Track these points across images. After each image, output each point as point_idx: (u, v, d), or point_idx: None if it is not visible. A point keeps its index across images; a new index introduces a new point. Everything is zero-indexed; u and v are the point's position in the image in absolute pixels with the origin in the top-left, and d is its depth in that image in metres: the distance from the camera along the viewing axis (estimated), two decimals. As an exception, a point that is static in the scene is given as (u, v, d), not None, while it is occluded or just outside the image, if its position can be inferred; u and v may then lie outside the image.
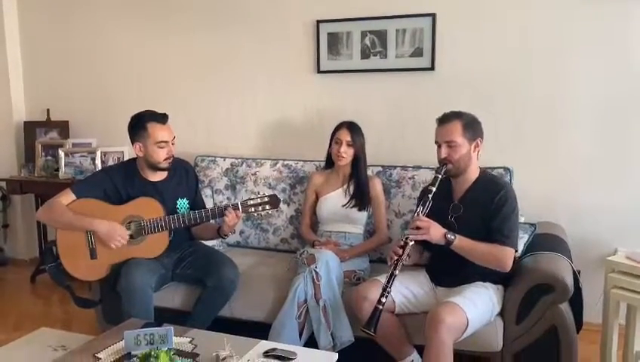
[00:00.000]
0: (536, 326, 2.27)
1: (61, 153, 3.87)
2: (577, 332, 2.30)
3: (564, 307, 2.26)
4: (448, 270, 2.37)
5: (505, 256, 2.22)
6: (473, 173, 2.37)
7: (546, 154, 3.07)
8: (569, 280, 2.23)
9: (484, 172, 2.41)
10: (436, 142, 2.35)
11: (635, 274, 2.31)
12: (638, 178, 2.94)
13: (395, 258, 2.23)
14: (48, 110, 4.18)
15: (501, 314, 2.32)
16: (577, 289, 2.32)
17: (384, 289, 2.19)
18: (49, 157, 4.04)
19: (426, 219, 2.25)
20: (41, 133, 4.18)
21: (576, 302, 2.36)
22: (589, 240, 3.00)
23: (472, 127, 2.32)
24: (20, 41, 4.26)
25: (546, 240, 2.63)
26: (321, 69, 3.43)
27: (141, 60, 3.92)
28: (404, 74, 3.26)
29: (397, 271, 2.22)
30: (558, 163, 3.06)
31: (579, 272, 2.42)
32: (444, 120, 2.33)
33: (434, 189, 2.29)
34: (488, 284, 2.31)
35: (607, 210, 2.99)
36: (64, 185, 2.82)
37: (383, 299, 2.18)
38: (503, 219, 2.24)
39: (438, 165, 2.34)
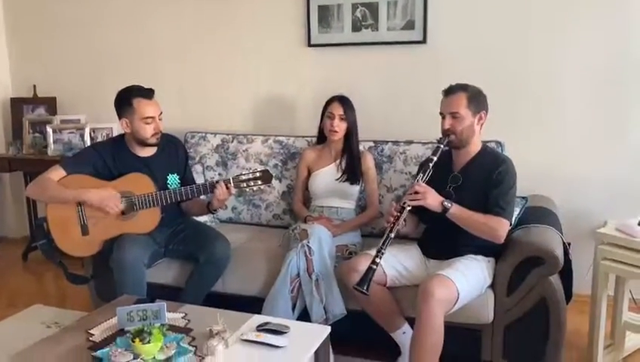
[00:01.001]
0: (527, 298, 2.30)
1: (49, 130, 3.82)
2: (567, 303, 2.33)
3: (554, 279, 2.28)
4: (440, 243, 2.38)
5: (500, 227, 2.24)
6: (475, 146, 2.38)
7: (538, 128, 3.07)
8: (559, 253, 2.25)
9: (485, 146, 2.42)
10: (441, 113, 2.36)
11: (624, 246, 2.33)
12: (628, 151, 2.96)
13: (392, 220, 2.24)
14: (35, 86, 4.12)
15: (492, 286, 2.34)
16: (567, 261, 2.34)
17: (378, 251, 2.21)
18: (37, 134, 3.99)
19: (424, 185, 2.27)
20: (28, 110, 4.12)
21: (567, 274, 2.39)
22: (579, 213, 3.02)
23: (477, 99, 2.32)
24: (3, 16, 4.17)
25: (537, 213, 2.64)
26: (312, 42, 3.39)
27: (129, 34, 3.85)
28: (396, 47, 3.23)
29: (392, 234, 2.23)
30: (550, 137, 3.06)
31: (569, 245, 2.44)
32: (450, 91, 2.34)
33: (435, 158, 2.31)
34: (480, 257, 2.32)
35: (598, 183, 3.01)
36: (53, 162, 2.79)
37: (378, 260, 2.20)
38: (501, 192, 2.26)
39: (433, 139, 2.34)
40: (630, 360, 2.57)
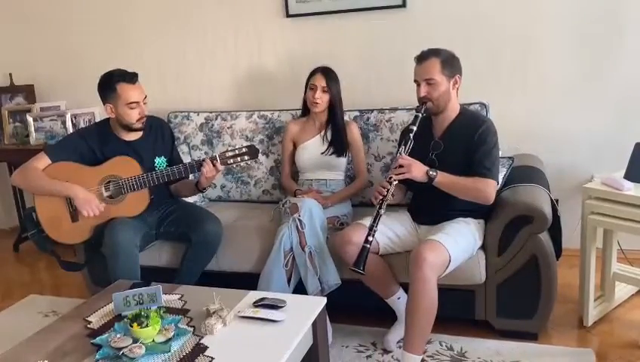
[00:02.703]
0: (518, 256, 2.33)
1: (29, 118, 3.75)
2: (557, 259, 2.38)
3: (544, 236, 2.32)
4: (429, 208, 2.40)
5: (488, 188, 2.25)
6: (453, 111, 2.37)
7: (520, 87, 3.06)
8: (547, 210, 2.28)
9: (464, 109, 2.41)
10: (415, 81, 2.34)
11: (610, 200, 2.36)
12: (612, 105, 2.97)
13: (380, 197, 2.25)
14: (11, 74, 4.03)
15: (483, 247, 2.37)
16: (556, 217, 2.38)
17: (370, 229, 2.22)
18: (17, 124, 3.93)
19: (408, 157, 2.27)
20: (6, 100, 4.04)
21: (556, 230, 2.42)
22: (566, 169, 3.05)
23: (451, 63, 2.30)
24: (-28, 3, 4.06)
25: (524, 173, 2.66)
26: (290, 12, 3.33)
27: (105, 16, 3.75)
28: (376, 13, 3.18)
29: (382, 211, 2.24)
30: (532, 95, 3.06)
31: (557, 201, 2.47)
32: (422, 58, 2.31)
33: (415, 128, 2.30)
34: (469, 220, 2.35)
35: (583, 139, 3.03)
36: (36, 151, 2.75)
37: (370, 238, 2.21)
38: (485, 153, 2.26)
39: (417, 104, 2.33)
40: (620, 310, 2.63)
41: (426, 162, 2.29)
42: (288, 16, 3.34)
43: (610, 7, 2.87)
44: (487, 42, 3.03)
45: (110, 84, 2.51)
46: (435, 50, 2.31)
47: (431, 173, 2.24)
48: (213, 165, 2.48)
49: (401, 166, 2.25)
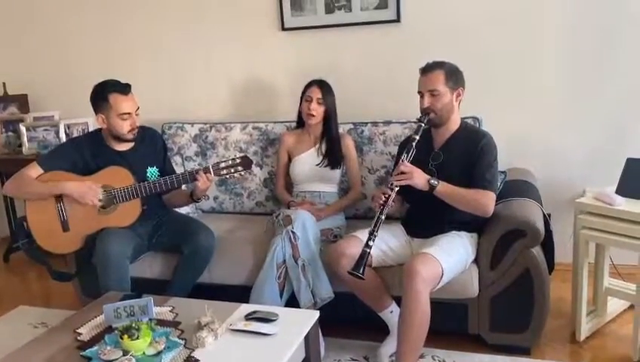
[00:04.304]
0: (510, 270, 2.33)
1: (22, 128, 3.73)
2: (550, 273, 2.38)
3: (536, 250, 2.32)
4: (423, 221, 2.40)
5: (488, 200, 2.26)
6: (454, 123, 2.39)
7: (513, 102, 3.08)
8: (540, 225, 2.29)
9: (464, 123, 2.44)
10: (419, 92, 2.36)
11: (602, 215, 2.37)
12: (604, 120, 2.99)
13: (381, 202, 2.25)
14: (4, 84, 4.02)
15: (476, 261, 2.37)
16: (548, 232, 2.38)
17: (371, 233, 2.21)
18: (10, 133, 3.91)
19: (410, 165, 2.28)
20: (-1, 109, 4.04)
21: (548, 245, 2.42)
22: (558, 184, 3.06)
23: (455, 76, 2.33)
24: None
25: (517, 187, 2.67)
26: (286, 26, 3.35)
27: (100, 26, 3.76)
28: (371, 27, 3.21)
29: (383, 216, 2.24)
30: (525, 110, 3.08)
31: (549, 215, 2.48)
32: (427, 69, 2.34)
33: (417, 137, 2.31)
34: (462, 233, 2.35)
35: (575, 153, 3.05)
36: (29, 160, 2.75)
37: (371, 243, 2.20)
38: (486, 166, 2.28)
39: (411, 118, 2.35)
40: (612, 325, 2.63)
41: (425, 172, 2.29)
42: (284, 29, 3.36)
43: (603, 22, 2.90)
44: (481, 56, 3.05)
45: (103, 94, 2.51)
46: (439, 62, 2.34)
47: (432, 181, 2.25)
48: (207, 176, 2.48)
49: (403, 173, 2.25)
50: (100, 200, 2.49)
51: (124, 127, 2.53)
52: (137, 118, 2.57)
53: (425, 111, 2.33)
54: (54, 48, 3.91)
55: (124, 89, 2.52)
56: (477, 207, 2.26)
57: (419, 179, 2.25)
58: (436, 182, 2.25)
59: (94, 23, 3.77)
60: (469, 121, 2.75)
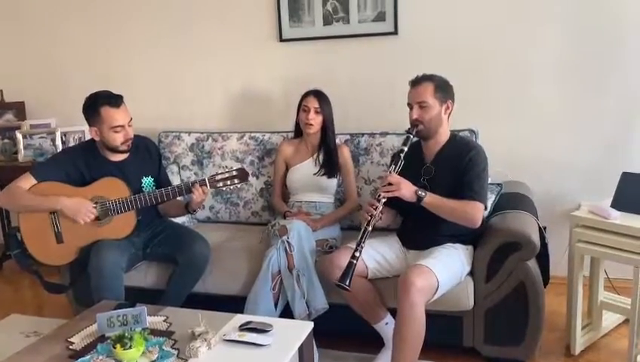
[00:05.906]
0: (505, 283, 2.33)
1: (19, 135, 3.73)
2: (545, 286, 2.38)
3: (532, 263, 2.32)
4: (418, 233, 2.40)
5: (475, 211, 2.26)
6: (444, 136, 2.40)
7: (510, 116, 3.10)
8: (535, 238, 2.29)
9: (454, 135, 2.45)
10: (408, 104, 2.37)
11: (597, 228, 2.37)
12: (599, 133, 3.01)
13: (367, 214, 2.25)
14: (1, 91, 4.02)
15: (471, 273, 2.37)
16: (544, 245, 2.38)
17: (358, 245, 2.22)
18: (6, 140, 3.90)
19: (397, 176, 2.28)
20: (-4, 116, 4.03)
21: (543, 258, 2.43)
22: (553, 197, 3.08)
23: (444, 89, 2.34)
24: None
25: (513, 199, 2.68)
26: (284, 37, 3.37)
27: (97, 33, 3.77)
28: (368, 39, 3.23)
29: (370, 228, 2.24)
30: (522, 124, 3.10)
31: (545, 228, 2.49)
32: (417, 82, 2.36)
33: (406, 149, 2.33)
34: (458, 245, 2.35)
35: (570, 167, 3.06)
36: (25, 168, 2.74)
37: (357, 254, 2.21)
38: (474, 176, 2.28)
39: (407, 128, 2.36)
40: (607, 339, 2.63)
41: (417, 187, 2.29)
42: (282, 40, 3.37)
43: (599, 37, 2.92)
44: (477, 69, 3.07)
45: (94, 107, 2.49)
46: (429, 75, 2.36)
47: (420, 192, 2.25)
48: (202, 190, 2.47)
49: (390, 184, 2.26)
50: (93, 215, 2.47)
51: (118, 140, 2.52)
52: (130, 130, 2.55)
53: (413, 123, 2.34)
54: (52, 56, 3.92)
55: (116, 101, 2.49)
56: (464, 217, 2.26)
57: (406, 190, 2.25)
58: (423, 194, 2.25)
59: (92, 31, 3.78)
60: (466, 133, 2.77)
